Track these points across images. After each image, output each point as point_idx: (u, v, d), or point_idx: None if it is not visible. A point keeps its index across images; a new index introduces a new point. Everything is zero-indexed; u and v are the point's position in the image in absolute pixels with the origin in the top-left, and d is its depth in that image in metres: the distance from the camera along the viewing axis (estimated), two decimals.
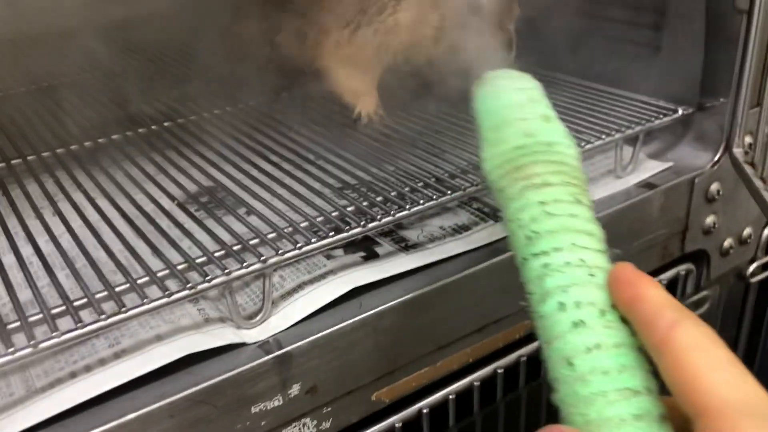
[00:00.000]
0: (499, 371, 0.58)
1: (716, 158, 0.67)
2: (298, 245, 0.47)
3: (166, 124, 0.72)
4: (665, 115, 0.67)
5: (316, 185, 0.58)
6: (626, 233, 0.63)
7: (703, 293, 0.74)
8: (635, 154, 0.65)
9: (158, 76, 0.85)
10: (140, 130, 0.71)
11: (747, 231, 0.74)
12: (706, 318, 0.78)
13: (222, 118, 0.74)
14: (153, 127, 0.72)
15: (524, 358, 0.59)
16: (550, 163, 0.39)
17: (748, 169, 0.60)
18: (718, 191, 0.68)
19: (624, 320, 0.32)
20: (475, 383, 0.57)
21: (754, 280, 0.79)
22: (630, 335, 0.32)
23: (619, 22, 0.69)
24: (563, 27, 0.73)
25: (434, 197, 0.54)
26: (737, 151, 0.63)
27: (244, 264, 0.46)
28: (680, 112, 0.68)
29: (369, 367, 0.50)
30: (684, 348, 0.29)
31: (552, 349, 0.33)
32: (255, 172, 0.61)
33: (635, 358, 0.31)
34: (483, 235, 0.57)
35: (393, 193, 0.56)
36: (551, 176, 0.38)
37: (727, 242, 0.73)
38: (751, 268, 0.78)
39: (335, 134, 0.70)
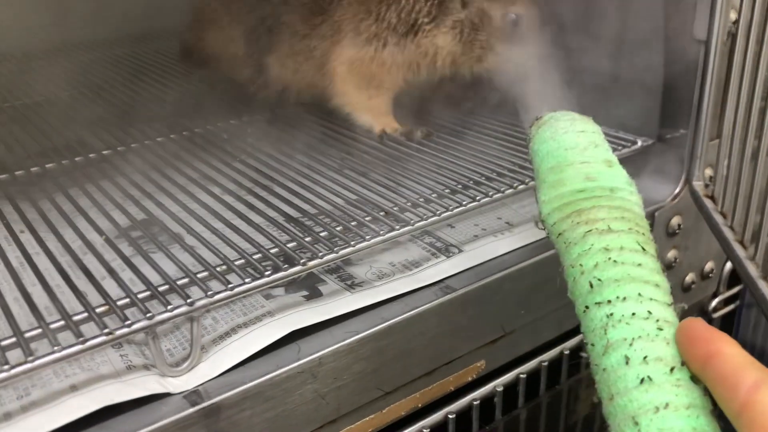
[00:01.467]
0: (450, 416, 0.55)
1: (677, 191, 0.65)
2: (230, 286, 0.44)
3: (104, 152, 0.68)
4: (624, 146, 0.65)
5: (257, 219, 0.55)
6: None
7: None
8: None
9: (101, 102, 0.82)
10: (77, 158, 0.67)
11: (709, 265, 0.72)
12: None
13: (164, 146, 0.70)
14: (90, 155, 0.68)
15: (477, 402, 0.56)
16: (614, 208, 0.37)
17: (708, 203, 0.58)
18: (679, 225, 0.66)
19: (694, 380, 0.30)
20: (425, 430, 0.54)
21: (716, 315, 0.77)
22: (701, 396, 0.30)
23: (576, 51, 0.67)
24: None
25: (381, 232, 0.51)
26: (697, 185, 0.61)
27: (169, 307, 0.42)
28: (639, 143, 0.66)
29: (308, 417, 0.47)
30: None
31: (615, 405, 0.31)
32: (193, 205, 0.58)
33: (707, 421, 0.29)
34: (433, 272, 0.54)
35: (339, 228, 0.53)
36: (615, 222, 0.36)
37: (689, 277, 0.71)
38: (714, 302, 0.76)
39: (284, 163, 0.67)
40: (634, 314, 0.32)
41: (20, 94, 0.86)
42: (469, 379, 0.56)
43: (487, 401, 0.57)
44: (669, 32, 0.63)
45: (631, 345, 0.31)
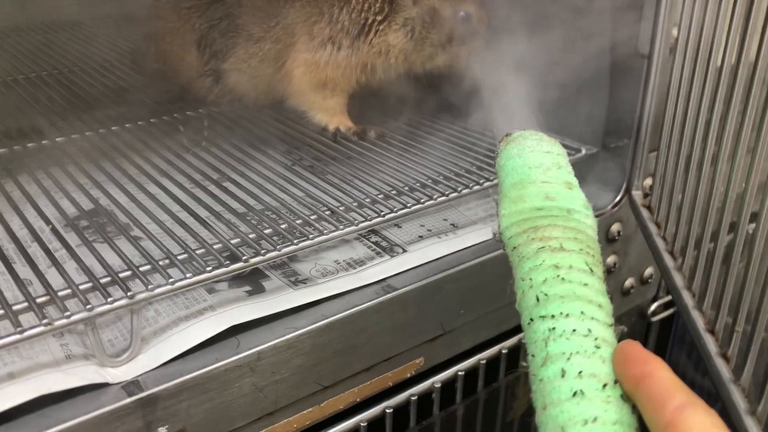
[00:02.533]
0: (388, 411, 0.56)
1: (617, 199, 0.67)
2: (171, 280, 0.45)
3: (58, 139, 0.68)
4: (568, 154, 0.67)
5: (204, 213, 0.55)
6: None
7: None
8: None
9: (58, 87, 0.81)
10: (29, 144, 0.67)
11: (649, 270, 0.75)
12: None
13: (119, 135, 0.71)
14: (43, 142, 0.68)
15: (415, 398, 0.58)
16: (568, 229, 0.38)
17: (645, 213, 0.60)
18: (619, 232, 0.68)
19: (624, 398, 0.31)
20: (362, 424, 0.55)
21: (655, 319, 0.79)
22: (629, 414, 0.31)
23: (525, 58, 0.68)
24: None
25: (325, 231, 0.53)
26: (636, 194, 0.63)
27: (109, 299, 0.43)
28: (583, 151, 0.68)
29: (246, 410, 0.48)
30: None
31: (547, 414, 0.32)
32: (141, 196, 0.58)
33: None
34: (376, 270, 0.55)
35: (284, 225, 0.54)
36: (568, 242, 0.38)
37: (629, 282, 0.73)
38: (653, 307, 0.78)
39: (236, 158, 0.68)
40: (574, 330, 0.33)
41: None
42: (408, 375, 0.57)
43: (425, 397, 0.59)
44: (615, 45, 0.65)
45: (568, 359, 0.32)
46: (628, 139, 0.66)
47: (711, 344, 0.46)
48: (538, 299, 0.35)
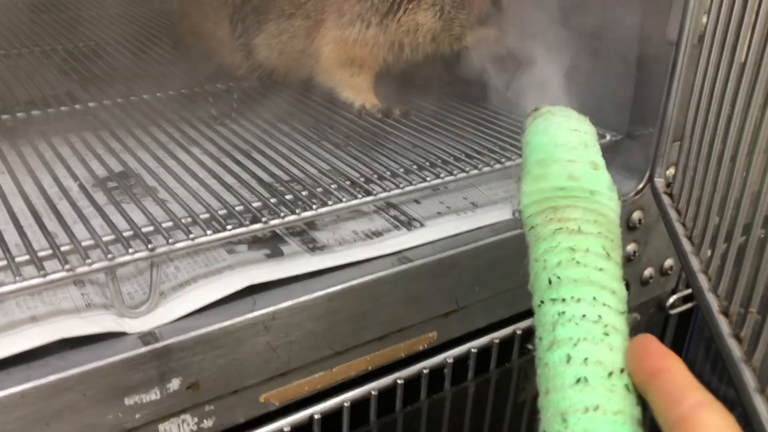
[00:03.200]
0: (399, 382, 0.57)
1: (640, 187, 0.67)
2: (191, 236, 0.46)
3: (90, 104, 0.70)
4: None
5: (230, 180, 0.57)
6: None
7: None
8: None
9: (95, 57, 0.83)
10: (63, 108, 0.69)
11: (668, 262, 0.75)
12: None
13: (150, 104, 0.72)
14: (77, 106, 0.70)
15: (427, 371, 0.59)
16: (589, 211, 0.38)
17: (666, 200, 0.60)
18: (640, 220, 0.68)
19: (628, 388, 0.31)
20: (373, 392, 0.56)
21: (673, 312, 0.79)
22: (632, 405, 0.31)
23: (554, 42, 0.68)
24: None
25: (344, 200, 0.54)
26: (659, 182, 0.63)
27: (130, 251, 0.44)
28: (608, 137, 0.68)
29: (258, 368, 0.49)
30: (706, 430, 0.28)
31: (549, 400, 0.32)
32: (170, 162, 0.60)
33: (632, 430, 0.30)
34: (393, 242, 0.56)
35: (305, 193, 0.55)
36: (587, 225, 0.37)
37: (648, 271, 0.73)
38: (672, 299, 0.78)
39: (265, 130, 0.69)
40: (584, 316, 0.33)
41: (17, 42, 0.88)
42: (421, 348, 0.58)
43: (437, 371, 0.60)
44: (644, 32, 0.65)
45: (575, 345, 0.32)
46: (653, 128, 0.66)
47: (724, 325, 0.46)
48: (550, 281, 0.35)
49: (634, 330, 0.80)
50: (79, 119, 0.68)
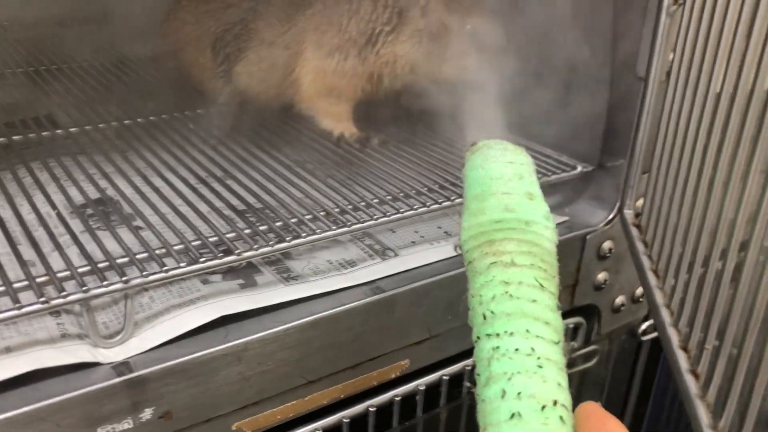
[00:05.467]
0: (371, 410, 0.58)
1: (610, 217, 0.69)
2: (165, 268, 0.47)
3: (71, 129, 0.71)
4: (563, 170, 0.69)
5: (204, 208, 0.58)
6: None
7: (593, 347, 0.76)
8: None
9: (77, 79, 0.84)
10: (44, 133, 0.70)
11: (640, 290, 0.76)
12: (595, 372, 0.79)
13: (131, 129, 0.73)
14: (57, 131, 0.70)
15: (399, 398, 0.59)
16: (523, 242, 0.38)
17: (634, 231, 0.62)
18: (610, 249, 0.70)
19: (563, 421, 0.31)
20: (345, 420, 0.57)
21: (645, 338, 0.80)
22: None
23: (528, 74, 0.70)
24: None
25: (318, 231, 0.55)
26: (628, 213, 0.65)
27: (105, 282, 0.45)
28: (579, 168, 0.70)
29: (231, 397, 0.50)
30: None
31: None
32: (146, 189, 0.61)
33: None
34: (367, 272, 0.57)
35: (279, 223, 0.56)
36: (521, 257, 0.37)
37: (619, 299, 0.75)
38: (644, 326, 0.79)
39: (241, 157, 0.70)
40: (517, 350, 0.33)
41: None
42: (393, 376, 0.59)
43: (409, 398, 0.61)
44: (615, 67, 0.67)
45: (509, 379, 0.32)
46: (624, 160, 0.68)
47: (683, 360, 0.48)
48: (485, 317, 0.35)
49: (607, 357, 0.81)
50: (59, 144, 0.69)
